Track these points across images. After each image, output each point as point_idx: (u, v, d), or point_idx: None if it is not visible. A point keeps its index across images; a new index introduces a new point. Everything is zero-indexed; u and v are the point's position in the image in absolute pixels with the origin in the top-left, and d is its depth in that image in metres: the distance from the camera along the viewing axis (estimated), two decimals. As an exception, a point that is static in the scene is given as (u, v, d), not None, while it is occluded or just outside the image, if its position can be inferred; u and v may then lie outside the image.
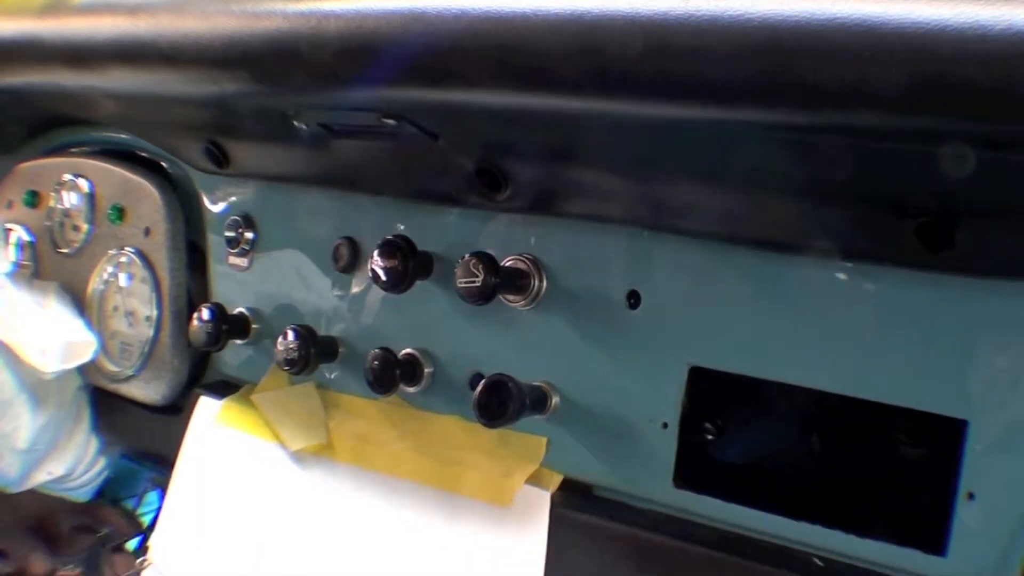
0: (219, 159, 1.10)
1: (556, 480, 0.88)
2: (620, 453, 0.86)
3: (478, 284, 0.85)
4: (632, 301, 0.85)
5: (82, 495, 1.36)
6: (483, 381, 0.85)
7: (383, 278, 0.91)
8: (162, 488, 1.17)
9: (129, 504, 1.43)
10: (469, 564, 0.90)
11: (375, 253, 0.92)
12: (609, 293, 0.86)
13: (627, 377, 0.85)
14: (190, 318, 1.11)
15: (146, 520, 1.42)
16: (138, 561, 1.12)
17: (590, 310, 0.87)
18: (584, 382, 0.87)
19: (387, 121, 0.86)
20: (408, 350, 0.97)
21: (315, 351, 1.01)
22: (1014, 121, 0.54)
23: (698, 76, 0.62)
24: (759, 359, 0.79)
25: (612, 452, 0.86)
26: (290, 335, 1.01)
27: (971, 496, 0.70)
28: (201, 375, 1.21)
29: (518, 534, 0.88)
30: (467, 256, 0.86)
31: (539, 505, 0.87)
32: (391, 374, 0.94)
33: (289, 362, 1.00)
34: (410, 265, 0.91)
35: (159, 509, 1.17)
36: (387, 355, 0.95)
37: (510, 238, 0.91)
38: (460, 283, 0.86)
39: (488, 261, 0.85)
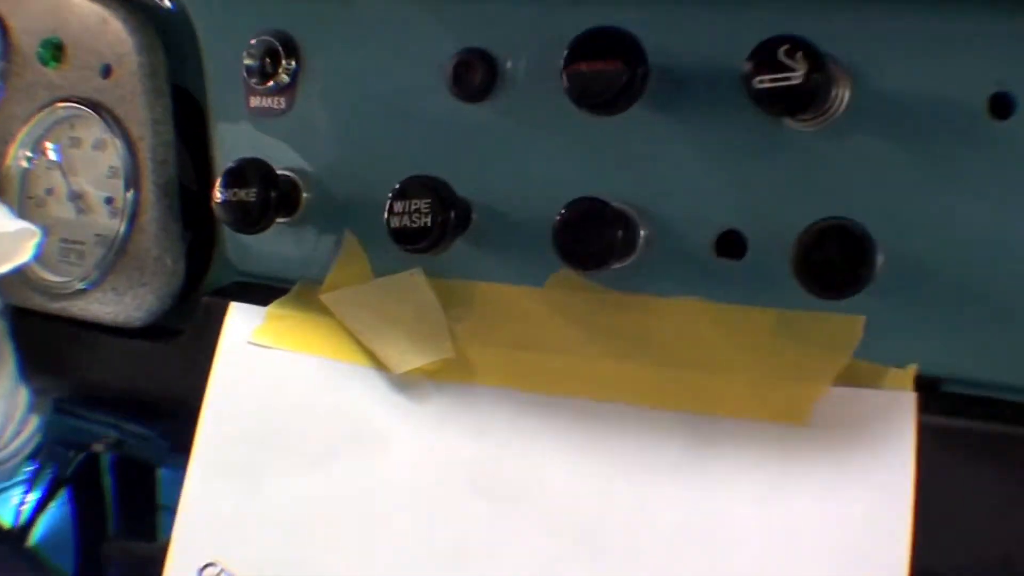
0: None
1: (899, 377, 0.59)
2: (990, 331, 0.58)
3: (798, 80, 0.55)
4: (998, 109, 0.57)
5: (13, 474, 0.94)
6: (811, 227, 0.55)
7: (594, 91, 0.59)
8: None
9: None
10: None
11: (571, 50, 0.60)
12: (958, 97, 0.58)
13: (994, 219, 0.57)
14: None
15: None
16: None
17: (925, 125, 0.58)
18: (921, 228, 0.59)
19: None
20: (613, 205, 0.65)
21: (455, 216, 0.66)
22: None
23: None
24: None
25: (980, 330, 0.58)
26: (416, 191, 0.66)
27: None
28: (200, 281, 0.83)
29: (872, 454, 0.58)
30: (772, 39, 0.55)
31: (880, 414, 0.58)
32: (600, 235, 0.62)
33: (417, 233, 0.65)
34: (638, 73, 0.60)
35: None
36: (597, 206, 0.62)
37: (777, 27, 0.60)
38: (760, 82, 0.56)
39: (808, 49, 0.55)
